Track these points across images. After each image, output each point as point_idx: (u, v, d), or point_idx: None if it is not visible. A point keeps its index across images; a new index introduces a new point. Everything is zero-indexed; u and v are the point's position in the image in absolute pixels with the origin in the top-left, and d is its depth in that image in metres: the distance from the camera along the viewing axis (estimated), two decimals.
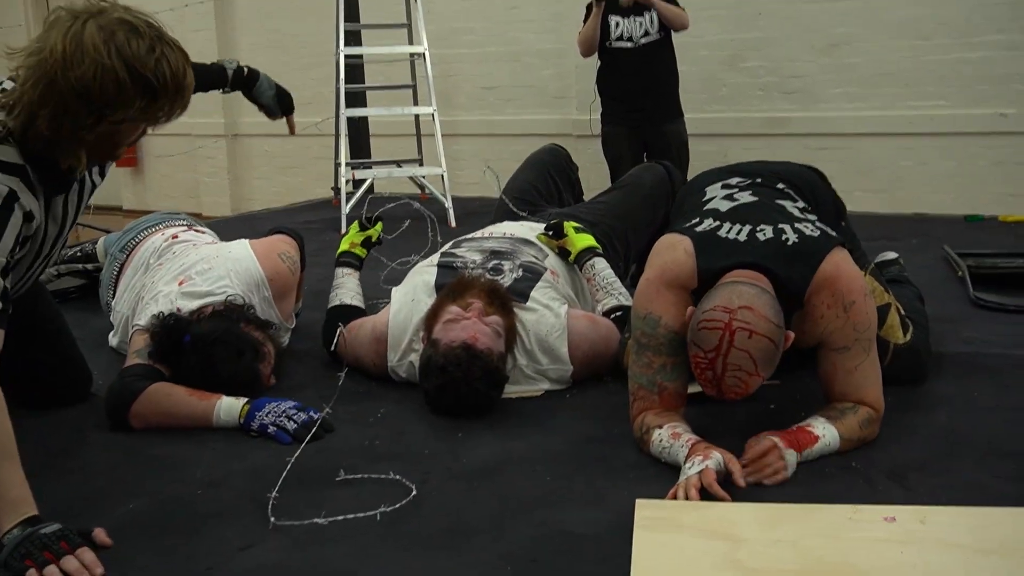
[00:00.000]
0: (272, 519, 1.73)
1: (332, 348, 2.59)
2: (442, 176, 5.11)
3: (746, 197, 2.17)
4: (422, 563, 1.59)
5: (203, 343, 2.26)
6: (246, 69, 2.59)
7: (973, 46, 5.29)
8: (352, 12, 5.65)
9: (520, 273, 2.54)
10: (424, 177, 5.41)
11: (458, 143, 6.78)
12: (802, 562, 1.49)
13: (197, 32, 7.79)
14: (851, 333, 1.92)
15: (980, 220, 4.82)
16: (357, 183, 5.18)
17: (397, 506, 1.78)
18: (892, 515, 1.62)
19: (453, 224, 4.91)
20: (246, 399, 2.22)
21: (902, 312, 2.30)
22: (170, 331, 2.28)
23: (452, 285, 2.40)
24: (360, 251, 2.87)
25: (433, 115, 5.15)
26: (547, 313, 2.42)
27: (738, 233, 2.01)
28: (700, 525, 1.62)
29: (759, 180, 2.25)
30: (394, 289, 2.62)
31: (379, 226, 2.91)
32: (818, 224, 2.06)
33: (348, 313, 2.67)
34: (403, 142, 6.19)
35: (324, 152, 6.88)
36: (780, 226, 2.00)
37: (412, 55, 5.51)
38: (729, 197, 2.19)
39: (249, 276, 2.55)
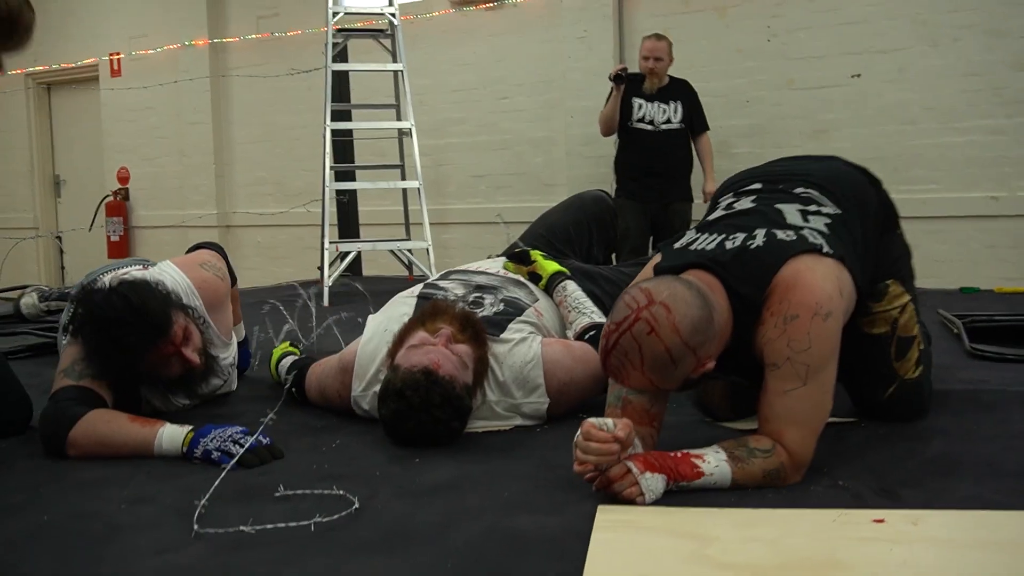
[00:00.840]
0: (196, 527, 1.57)
1: (294, 388, 2.49)
2: (427, 250, 5.03)
3: (745, 204, 2.06)
4: (355, 567, 1.42)
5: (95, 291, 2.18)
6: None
7: (960, 131, 5.29)
8: (343, 94, 5.70)
9: (501, 307, 2.40)
10: (411, 252, 5.34)
11: (448, 231, 6.75)
12: (781, 559, 1.32)
13: (193, 125, 7.89)
14: (783, 349, 1.72)
15: (976, 292, 4.71)
16: (343, 256, 5.11)
17: (335, 517, 1.61)
18: (881, 518, 1.46)
19: None
20: (190, 427, 2.07)
21: (922, 348, 2.15)
22: (77, 299, 2.20)
23: (424, 310, 2.26)
24: (294, 349, 2.79)
25: (419, 190, 5.11)
26: (520, 344, 2.28)
27: (710, 243, 1.91)
28: (667, 527, 1.46)
29: (780, 187, 2.11)
30: (370, 317, 2.48)
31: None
32: (811, 229, 1.90)
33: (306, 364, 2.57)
34: (392, 231, 6.17)
35: (315, 242, 6.85)
36: (755, 231, 1.89)
37: (400, 131, 5.51)
38: (729, 206, 2.10)
39: (177, 286, 2.36)
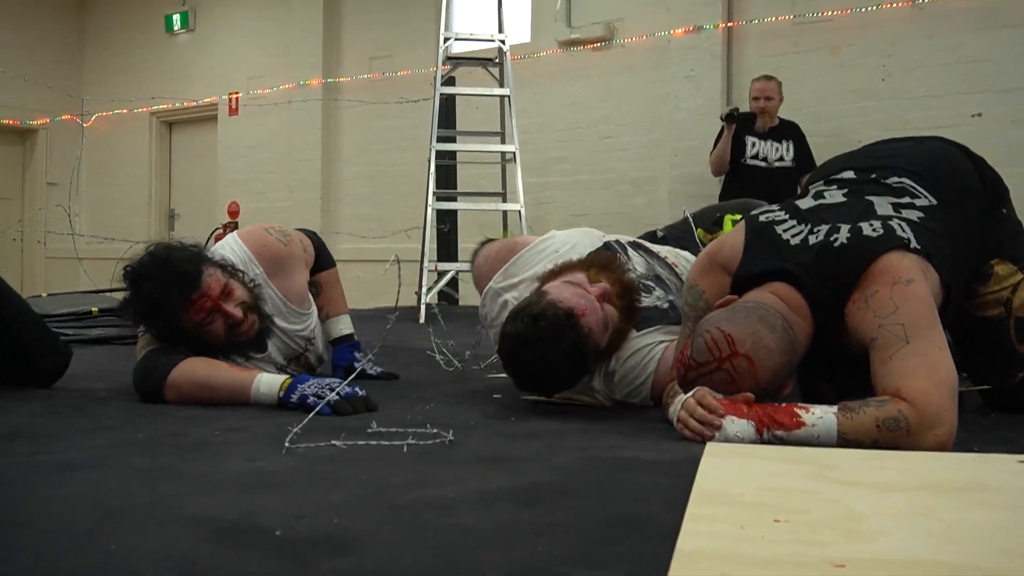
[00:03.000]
0: (287, 445, 1.52)
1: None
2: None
3: (836, 196, 1.97)
4: (450, 475, 1.35)
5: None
6: None
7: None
8: (450, 122, 5.78)
9: (664, 306, 2.22)
10: None
11: None
12: (917, 481, 1.19)
13: (304, 162, 8.11)
14: (871, 321, 1.62)
15: None
16: (441, 274, 5.12)
17: (429, 442, 1.55)
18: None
19: None
20: (288, 375, 2.04)
21: None
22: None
23: (599, 258, 2.15)
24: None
25: (520, 212, 5.10)
26: (644, 351, 2.11)
27: (796, 234, 1.84)
28: (783, 456, 1.34)
29: (873, 176, 2.00)
30: (555, 231, 2.37)
31: None
32: (900, 220, 1.79)
33: None
34: None
35: (413, 278, 6.91)
36: (840, 226, 1.79)
37: (503, 155, 5.53)
38: (819, 194, 2.00)
39: (236, 257, 2.31)
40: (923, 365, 1.55)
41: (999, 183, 2.04)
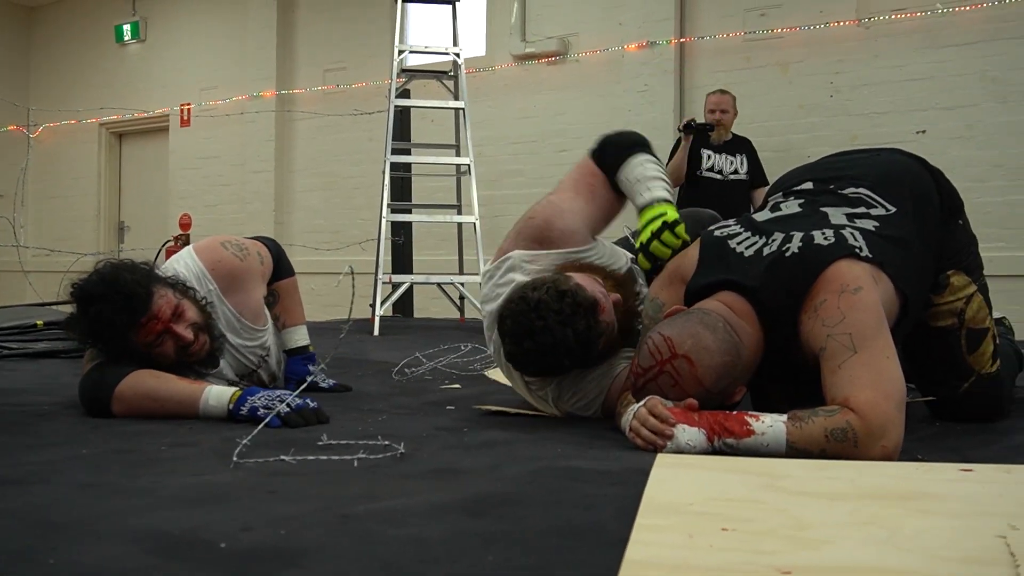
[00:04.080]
0: (235, 460, 1.50)
1: None
2: (480, 284, 4.99)
3: (792, 207, 1.99)
4: (397, 488, 1.34)
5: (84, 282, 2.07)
6: None
7: None
8: (404, 134, 5.77)
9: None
10: (463, 285, 5.31)
11: None
12: (863, 491, 1.21)
13: (257, 173, 8.04)
14: (820, 331, 1.64)
15: None
16: (395, 287, 5.10)
17: (379, 456, 1.54)
18: (970, 468, 1.34)
19: None
20: (237, 387, 2.01)
21: (996, 342, 2.03)
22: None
23: (614, 272, 2.13)
24: None
25: (475, 225, 5.11)
26: (606, 366, 2.08)
27: (749, 246, 1.86)
28: (734, 467, 1.35)
29: (831, 187, 2.02)
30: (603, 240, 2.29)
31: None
32: (853, 229, 1.81)
33: None
34: (446, 264, 6.18)
35: (367, 290, 6.87)
36: (793, 235, 1.81)
37: (458, 168, 5.54)
38: (776, 206, 2.02)
39: (188, 271, 2.28)
40: (870, 375, 1.56)
41: (955, 195, 2.08)
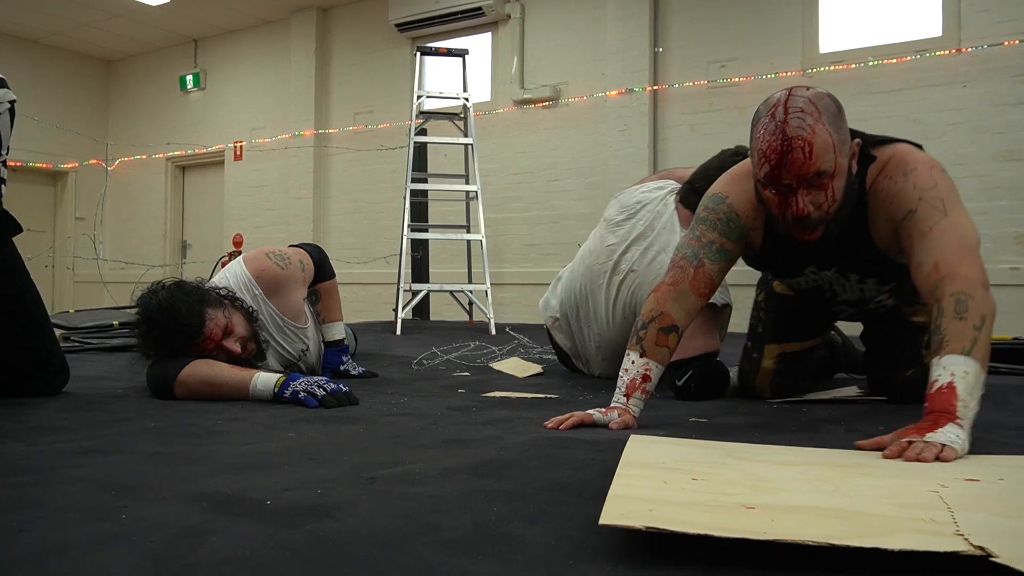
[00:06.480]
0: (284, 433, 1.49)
1: None
2: (486, 292, 4.99)
3: None
4: (416, 454, 1.33)
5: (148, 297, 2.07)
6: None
7: None
8: (422, 166, 5.78)
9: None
10: (471, 292, 5.29)
11: (504, 291, 6.71)
12: (809, 460, 1.20)
13: (298, 199, 8.03)
14: (911, 193, 1.52)
15: None
16: (415, 294, 5.08)
17: (402, 428, 1.52)
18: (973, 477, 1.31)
19: (493, 332, 4.73)
20: (282, 374, 2.01)
21: None
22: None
23: None
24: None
25: (481, 242, 5.10)
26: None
27: None
28: (697, 443, 1.33)
29: None
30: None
31: None
32: None
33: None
34: (457, 275, 6.14)
35: (389, 297, 6.86)
36: None
37: (468, 194, 5.53)
38: None
39: (237, 279, 2.28)
40: (959, 235, 1.46)
41: None
